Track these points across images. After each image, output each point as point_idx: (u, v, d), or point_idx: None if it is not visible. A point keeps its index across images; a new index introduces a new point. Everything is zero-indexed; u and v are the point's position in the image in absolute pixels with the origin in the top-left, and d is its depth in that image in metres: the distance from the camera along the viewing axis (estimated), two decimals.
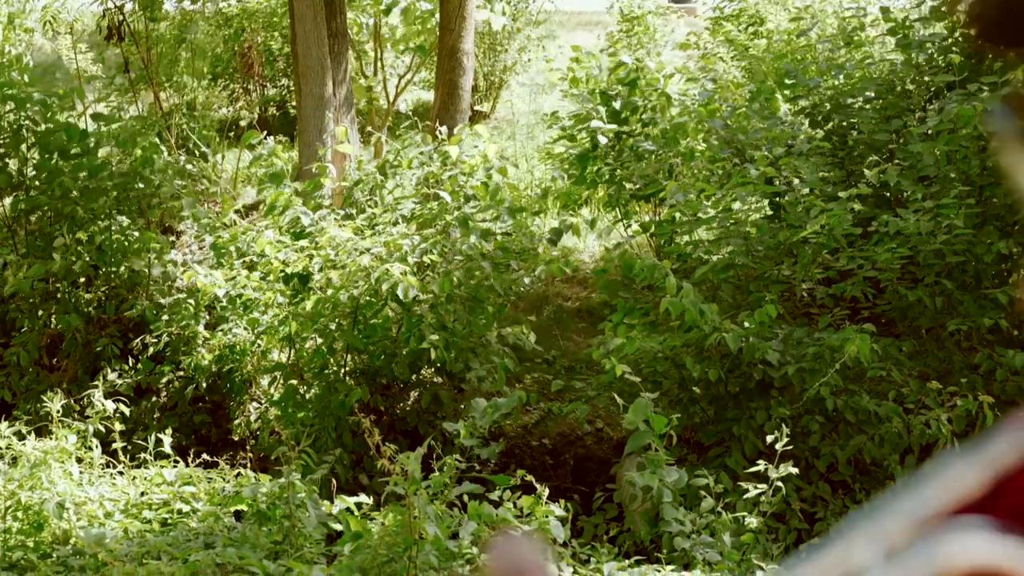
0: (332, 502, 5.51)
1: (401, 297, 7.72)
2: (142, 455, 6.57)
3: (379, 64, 13.44)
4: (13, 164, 9.66)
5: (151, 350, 8.85)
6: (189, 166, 10.46)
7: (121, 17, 12.48)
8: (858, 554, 0.53)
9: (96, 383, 7.61)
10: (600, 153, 10.01)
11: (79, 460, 6.12)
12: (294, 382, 8.38)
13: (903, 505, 0.54)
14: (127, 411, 6.94)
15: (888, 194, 8.34)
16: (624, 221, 10.37)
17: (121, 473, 6.22)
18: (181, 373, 8.85)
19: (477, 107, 14.72)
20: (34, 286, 9.16)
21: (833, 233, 7.68)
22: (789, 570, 0.53)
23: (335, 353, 8.29)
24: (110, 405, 6.76)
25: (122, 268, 9.33)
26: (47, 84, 9.95)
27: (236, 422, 8.62)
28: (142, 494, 5.87)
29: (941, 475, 0.55)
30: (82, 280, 9.43)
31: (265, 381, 8.73)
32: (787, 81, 9.29)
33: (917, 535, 0.54)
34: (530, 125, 14.51)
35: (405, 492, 4.83)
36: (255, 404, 8.77)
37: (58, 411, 6.22)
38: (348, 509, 5.32)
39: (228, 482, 5.94)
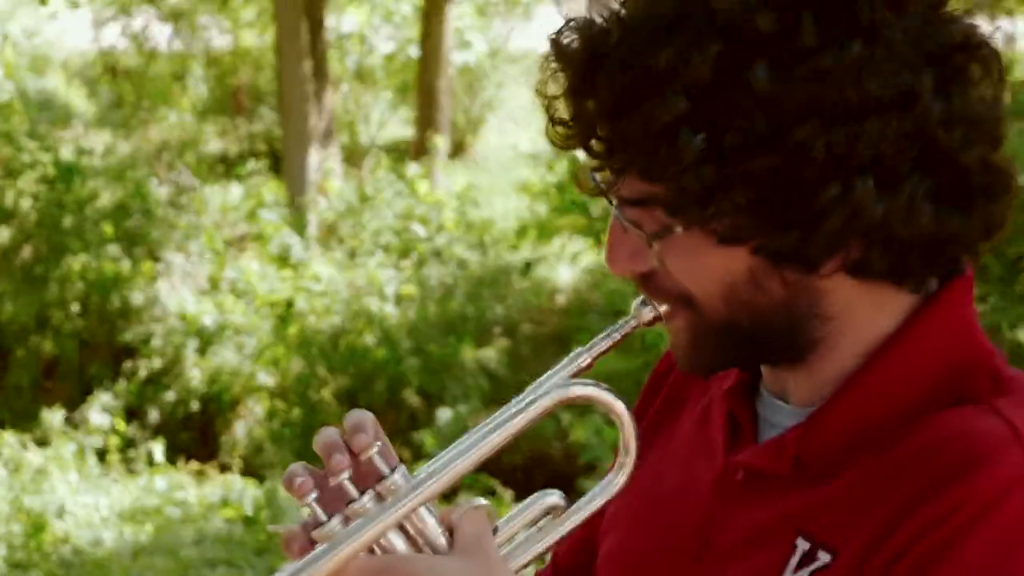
0: None
1: (379, 328, 8.22)
2: (135, 468, 7.04)
3: (361, 101, 13.95)
4: (9, 197, 10.15)
5: (142, 373, 9.29)
6: (180, 198, 10.94)
7: (115, 58, 12.99)
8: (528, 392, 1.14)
9: (89, 403, 8.10)
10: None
11: (77, 471, 6.58)
12: (280, 404, 8.84)
13: (556, 371, 1.18)
14: (123, 424, 7.40)
15: None
16: (600, 248, 10.87)
17: (116, 481, 6.68)
18: (172, 395, 9.28)
19: (456, 143, 15.22)
20: (28, 313, 9.63)
21: None
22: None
23: (318, 376, 8.77)
24: (105, 419, 7.24)
25: (113, 297, 9.79)
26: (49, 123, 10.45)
27: (223, 439, 9.06)
28: (136, 500, 6.32)
29: (572, 357, 1.18)
30: (75, 308, 9.88)
31: (252, 403, 9.19)
32: None
33: (557, 382, 1.16)
34: (507, 160, 15.01)
35: None
36: (242, 422, 9.21)
37: (60, 422, 6.68)
38: None
39: (217, 486, 6.40)
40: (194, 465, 7.14)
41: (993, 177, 1.10)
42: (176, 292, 9.66)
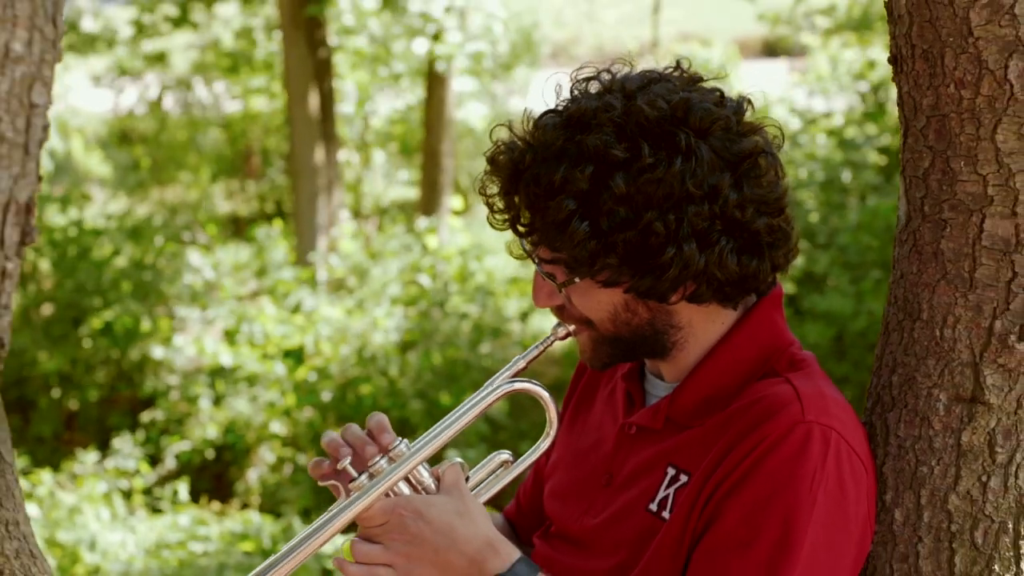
0: None
1: (385, 374, 8.72)
2: (158, 508, 7.52)
3: (367, 163, 14.51)
4: (29, 256, 10.67)
5: (161, 421, 9.75)
6: (194, 256, 11.45)
7: (131, 123, 13.58)
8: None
9: (111, 452, 8.57)
10: None
11: (106, 509, 7.07)
12: (291, 451, 9.31)
13: (502, 372, 1.79)
14: (148, 467, 7.88)
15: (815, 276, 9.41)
16: None
17: (142, 521, 7.16)
18: (187, 444, 9.72)
19: (458, 201, 15.78)
20: (51, 368, 10.12)
21: None
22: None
23: (327, 423, 9.24)
24: (129, 463, 7.73)
25: (132, 351, 10.29)
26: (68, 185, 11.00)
27: (237, 484, 9.50)
28: (161, 536, 6.80)
29: (513, 363, 1.79)
30: (96, 362, 10.37)
31: (265, 450, 9.64)
32: None
33: (504, 381, 1.78)
34: None
35: None
36: (255, 469, 9.65)
37: (92, 463, 7.17)
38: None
39: (237, 522, 6.88)
40: (215, 505, 7.61)
41: (776, 235, 1.74)
42: (195, 343, 10.11)
